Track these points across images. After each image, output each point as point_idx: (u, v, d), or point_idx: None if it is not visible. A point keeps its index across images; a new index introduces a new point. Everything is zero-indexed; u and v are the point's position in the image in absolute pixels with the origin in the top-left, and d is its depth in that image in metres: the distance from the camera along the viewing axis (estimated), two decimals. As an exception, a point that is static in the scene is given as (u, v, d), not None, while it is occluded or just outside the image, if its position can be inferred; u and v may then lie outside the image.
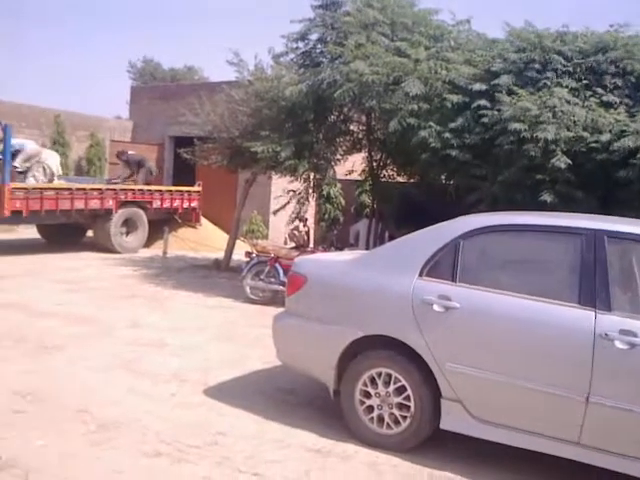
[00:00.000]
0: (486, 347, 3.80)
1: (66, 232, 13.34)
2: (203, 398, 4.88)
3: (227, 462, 3.77)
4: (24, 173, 12.21)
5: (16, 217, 11.47)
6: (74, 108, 19.68)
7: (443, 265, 4.01)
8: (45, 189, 11.80)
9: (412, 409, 4.00)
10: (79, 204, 12.25)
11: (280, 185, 13.09)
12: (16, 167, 12.00)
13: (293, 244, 11.20)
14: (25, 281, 9.20)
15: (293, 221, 11.59)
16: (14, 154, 12.28)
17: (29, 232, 13.91)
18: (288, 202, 11.65)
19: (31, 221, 12.58)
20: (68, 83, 68.34)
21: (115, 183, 14.04)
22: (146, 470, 3.61)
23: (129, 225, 13.47)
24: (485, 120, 7.68)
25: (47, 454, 3.71)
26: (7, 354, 5.60)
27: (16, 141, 12.65)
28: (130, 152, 14.92)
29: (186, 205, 14.66)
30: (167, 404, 4.69)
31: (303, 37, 9.90)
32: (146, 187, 13.93)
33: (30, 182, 12.02)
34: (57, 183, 12.46)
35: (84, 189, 12.52)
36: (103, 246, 13.03)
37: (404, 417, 4.03)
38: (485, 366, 3.76)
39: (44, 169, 12.30)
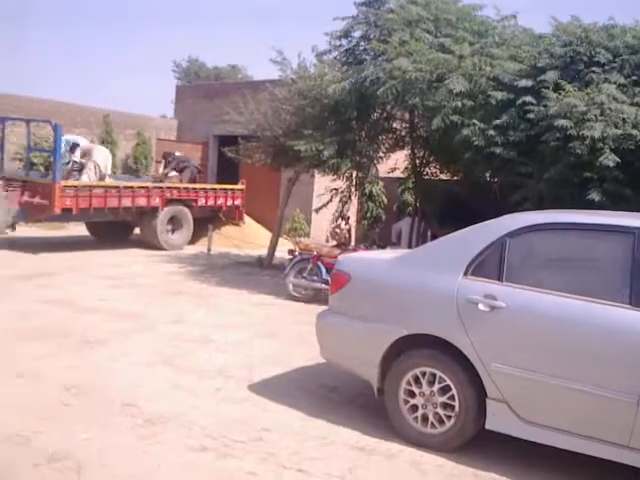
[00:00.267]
0: (533, 347, 3.74)
1: (114, 229, 13.65)
2: (247, 394, 4.94)
3: (272, 458, 3.81)
4: (79, 171, 12.55)
5: (66, 215, 11.78)
6: (121, 107, 20.14)
7: (489, 264, 3.97)
8: (94, 187, 12.09)
9: (457, 409, 3.97)
10: (126, 202, 12.51)
11: (323, 184, 13.12)
12: (76, 162, 12.38)
13: (335, 242, 11.22)
14: (73, 277, 9.44)
15: (336, 220, 11.61)
16: (73, 148, 12.65)
17: (78, 229, 14.27)
18: (330, 200, 11.68)
19: (80, 218, 12.89)
20: (115, 83, 69.87)
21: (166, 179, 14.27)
22: (192, 464, 3.67)
23: (175, 222, 13.69)
24: (531, 116, 7.55)
25: (92, 447, 3.79)
26: (53, 348, 5.75)
27: (70, 137, 13.04)
28: (176, 153, 15.19)
29: (230, 203, 14.82)
30: (212, 399, 4.76)
31: (346, 35, 9.88)
32: (191, 185, 14.15)
33: (84, 179, 12.35)
34: (108, 182, 12.76)
35: (132, 187, 12.79)
36: (149, 243, 13.29)
37: (448, 417, 4.01)
38: (532, 367, 3.70)
39: (95, 167, 12.62)
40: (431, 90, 8.49)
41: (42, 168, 14.57)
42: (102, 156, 13.00)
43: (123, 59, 73.26)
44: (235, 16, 73.18)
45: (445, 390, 4.01)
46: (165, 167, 14.67)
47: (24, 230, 12.15)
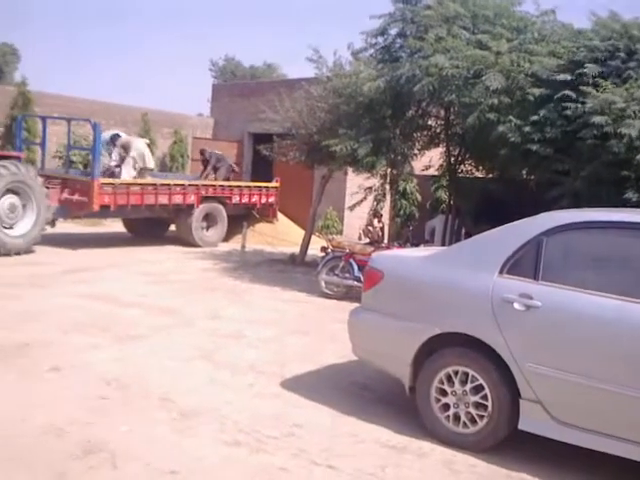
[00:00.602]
0: (569, 348, 3.69)
1: (150, 226, 13.87)
2: (280, 390, 4.97)
3: (303, 454, 3.82)
4: (119, 166, 12.79)
5: (104, 211, 12.01)
6: (157, 106, 20.42)
7: (525, 263, 3.92)
8: (131, 184, 12.30)
9: (489, 409, 3.93)
10: (163, 199, 12.70)
11: (355, 181, 13.11)
12: (116, 156, 12.61)
13: (367, 240, 11.21)
14: (111, 273, 9.63)
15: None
16: (114, 138, 12.88)
17: (115, 226, 14.53)
18: (364, 198, 11.66)
19: (118, 215, 13.14)
20: (153, 82, 70.95)
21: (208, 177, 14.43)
22: (226, 458, 3.71)
23: (209, 220, 13.84)
24: (568, 113, 7.43)
25: (132, 439, 3.87)
26: (93, 342, 5.87)
27: (111, 132, 13.29)
28: (213, 151, 15.34)
29: (264, 200, 14.92)
30: (245, 395, 4.81)
31: (383, 32, 9.84)
32: (226, 183, 14.27)
33: (124, 176, 12.58)
34: (148, 179, 12.96)
35: (168, 185, 12.96)
36: (185, 240, 13.46)
37: (481, 416, 3.97)
38: (567, 367, 3.65)
39: (134, 161, 12.84)
40: (467, 87, 8.42)
41: (81, 166, 14.90)
42: (140, 148, 13.20)
43: (161, 59, 74.37)
44: (271, 15, 73.57)
45: (478, 389, 3.98)
46: (205, 168, 14.80)
47: (64, 226, 12.41)
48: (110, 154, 12.95)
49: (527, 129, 7.68)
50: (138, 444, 3.80)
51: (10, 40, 47.50)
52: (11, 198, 10.21)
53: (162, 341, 6.09)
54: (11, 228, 10.25)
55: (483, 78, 8.14)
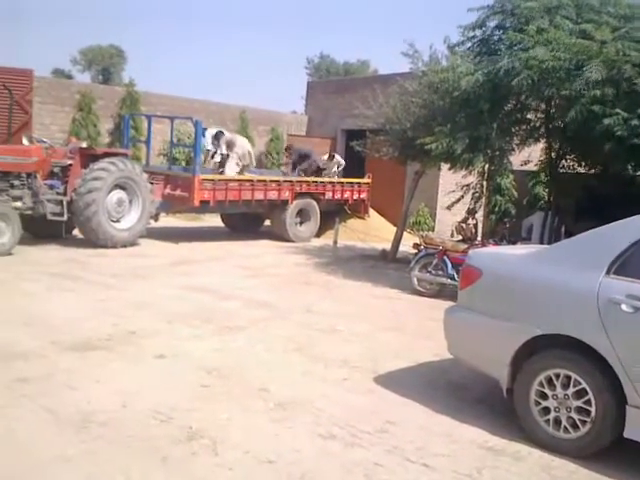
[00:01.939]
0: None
1: (246, 221, 14.26)
2: (373, 385, 5.00)
3: (397, 451, 3.83)
4: (222, 162, 13.23)
5: (203, 206, 12.45)
6: (253, 104, 20.90)
7: (633, 263, 3.75)
8: (230, 180, 12.69)
9: (593, 414, 3.78)
10: (259, 195, 13.03)
11: (449, 177, 12.90)
12: (222, 154, 13.12)
13: (460, 237, 11.00)
14: (211, 266, 9.98)
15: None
16: (217, 136, 13.35)
17: (213, 220, 15.04)
18: (462, 196, 11.47)
19: (216, 210, 13.58)
20: (248, 80, 72.69)
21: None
22: (321, 451, 3.78)
23: (303, 215, 14.06)
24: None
25: (231, 427, 4.01)
26: (195, 332, 6.12)
27: (214, 129, 13.78)
28: (298, 147, 15.55)
29: (356, 197, 14.97)
30: (339, 388, 4.87)
31: (481, 25, 9.61)
32: (319, 179, 14.43)
33: (227, 172, 13.00)
34: (248, 175, 13.33)
35: (264, 181, 13.27)
36: (279, 235, 13.74)
37: (583, 422, 3.83)
38: (680, 374, 3.46)
39: (238, 157, 13.25)
40: (569, 79, 8.08)
41: (183, 163, 15.52)
42: (244, 146, 13.59)
43: (256, 58, 76.07)
44: (365, 11, 73.50)
45: (580, 394, 3.84)
46: (294, 165, 15.04)
47: (166, 221, 12.98)
48: (215, 152, 13.42)
49: (635, 122, 7.32)
50: (237, 432, 3.94)
51: (117, 42, 50.18)
52: (119, 193, 10.78)
53: (259, 333, 6.27)
54: (118, 222, 10.83)
55: (584, 69, 7.79)
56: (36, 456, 3.47)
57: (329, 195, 14.39)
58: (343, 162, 15.74)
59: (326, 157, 15.38)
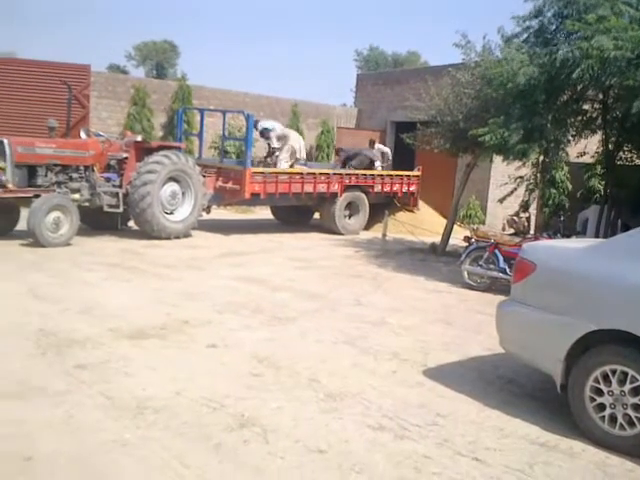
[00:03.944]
0: None
1: (296, 214, 14.35)
2: (423, 378, 4.98)
3: (447, 444, 3.82)
4: (273, 156, 13.35)
5: (254, 199, 12.59)
6: (303, 97, 20.96)
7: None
8: (280, 173, 12.79)
9: (651, 412, 3.69)
10: (309, 188, 13.08)
11: (500, 169, 12.67)
12: (275, 148, 13.26)
13: (512, 230, 10.81)
14: (261, 257, 10.10)
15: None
16: (263, 133, 13.49)
17: (263, 213, 15.19)
18: (515, 189, 11.26)
19: (266, 203, 13.71)
20: (297, 74, 72.93)
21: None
22: (370, 442, 3.80)
23: (352, 208, 14.05)
24: None
25: (282, 416, 4.07)
26: (246, 322, 6.22)
27: (268, 123, 13.90)
28: (347, 148, 15.57)
29: (405, 189, 14.86)
30: (388, 381, 4.87)
31: (537, 14, 9.37)
32: (369, 172, 14.39)
33: (280, 166, 13.12)
34: (298, 168, 13.42)
35: (313, 174, 13.32)
36: (328, 227, 13.77)
37: (640, 419, 3.74)
38: None
39: (291, 151, 13.35)
40: (630, 69, 7.81)
41: (234, 156, 15.71)
42: (297, 140, 13.68)
43: (305, 51, 76.17)
44: (412, 2, 72.72)
45: (638, 391, 3.75)
46: (341, 165, 15.07)
47: (217, 213, 13.19)
48: (269, 149, 13.57)
49: (700, 113, 7.02)
50: (288, 421, 3.99)
51: (170, 37, 51.05)
52: (172, 186, 11.00)
53: (309, 324, 6.31)
54: (171, 214, 11.06)
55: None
56: (94, 440, 3.59)
57: (378, 188, 14.33)
58: (387, 149, 15.62)
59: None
